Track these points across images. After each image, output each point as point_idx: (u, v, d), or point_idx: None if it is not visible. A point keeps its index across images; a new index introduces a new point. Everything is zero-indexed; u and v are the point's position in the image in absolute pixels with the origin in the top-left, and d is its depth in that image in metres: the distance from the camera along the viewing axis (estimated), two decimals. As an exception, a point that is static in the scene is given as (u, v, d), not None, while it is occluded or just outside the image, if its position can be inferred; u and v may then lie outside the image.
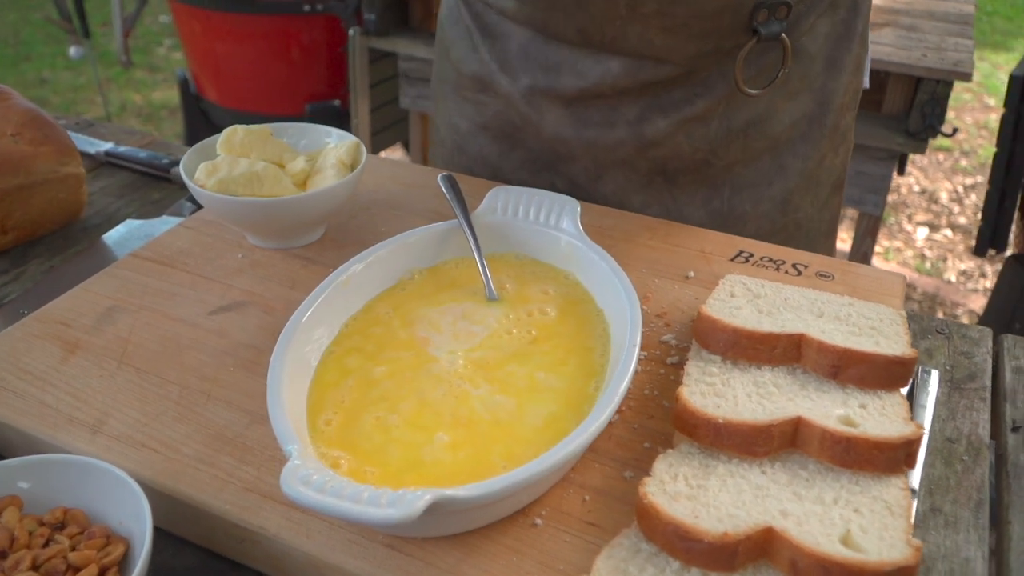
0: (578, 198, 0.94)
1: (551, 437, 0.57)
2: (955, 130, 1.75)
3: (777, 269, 0.81)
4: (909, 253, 3.23)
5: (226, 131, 0.84)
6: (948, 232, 3.36)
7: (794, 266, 0.81)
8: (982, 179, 3.67)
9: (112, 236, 0.95)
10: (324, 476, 0.48)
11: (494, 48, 0.93)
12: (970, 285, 3.03)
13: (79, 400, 0.65)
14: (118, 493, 0.55)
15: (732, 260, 0.82)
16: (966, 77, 1.75)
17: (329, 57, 2.51)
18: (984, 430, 0.70)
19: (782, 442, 0.56)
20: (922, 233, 3.36)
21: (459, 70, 0.98)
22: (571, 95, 0.89)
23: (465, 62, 0.97)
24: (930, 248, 3.25)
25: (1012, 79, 1.73)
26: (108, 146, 1.12)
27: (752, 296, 0.71)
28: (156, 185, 1.06)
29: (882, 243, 3.24)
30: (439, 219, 0.78)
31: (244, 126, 0.85)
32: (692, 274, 0.80)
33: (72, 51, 3.77)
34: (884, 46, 1.88)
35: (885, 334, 0.66)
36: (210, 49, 2.60)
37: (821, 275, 0.80)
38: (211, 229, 0.87)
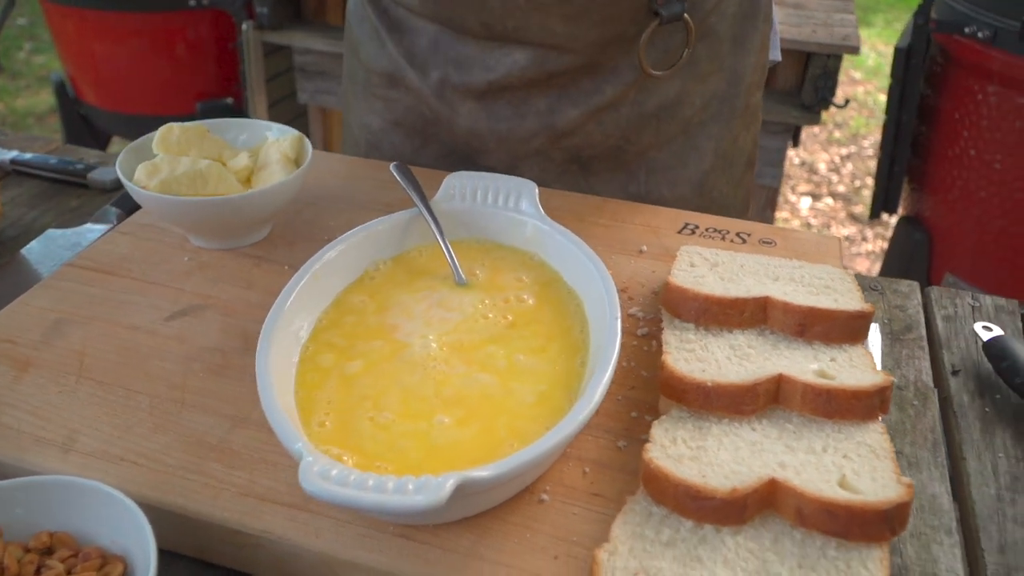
0: None
1: (548, 413, 0.58)
2: (847, 101, 1.85)
3: (723, 238, 0.84)
4: (796, 222, 3.38)
5: (161, 130, 0.81)
6: (829, 200, 3.53)
7: (738, 235, 0.85)
8: (856, 149, 3.88)
9: (33, 248, 0.90)
10: (342, 470, 0.47)
11: (402, 43, 0.92)
12: (854, 249, 3.20)
13: (42, 419, 0.62)
14: (107, 511, 0.53)
15: (679, 232, 0.85)
16: (854, 50, 1.85)
17: (219, 53, 2.42)
18: (927, 376, 0.75)
19: (767, 399, 0.59)
20: (806, 203, 3.52)
21: (368, 67, 0.97)
22: (481, 88, 0.89)
23: (374, 59, 0.96)
24: (815, 217, 3.42)
25: (896, 51, 1.84)
26: (12, 154, 1.05)
27: (711, 265, 0.73)
28: (72, 192, 1.01)
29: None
30: (388, 210, 0.77)
31: (179, 123, 0.82)
32: (645, 248, 0.82)
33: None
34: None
35: (839, 291, 0.69)
36: (87, 50, 2.47)
37: (764, 242, 0.84)
38: (150, 233, 0.83)
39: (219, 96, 2.45)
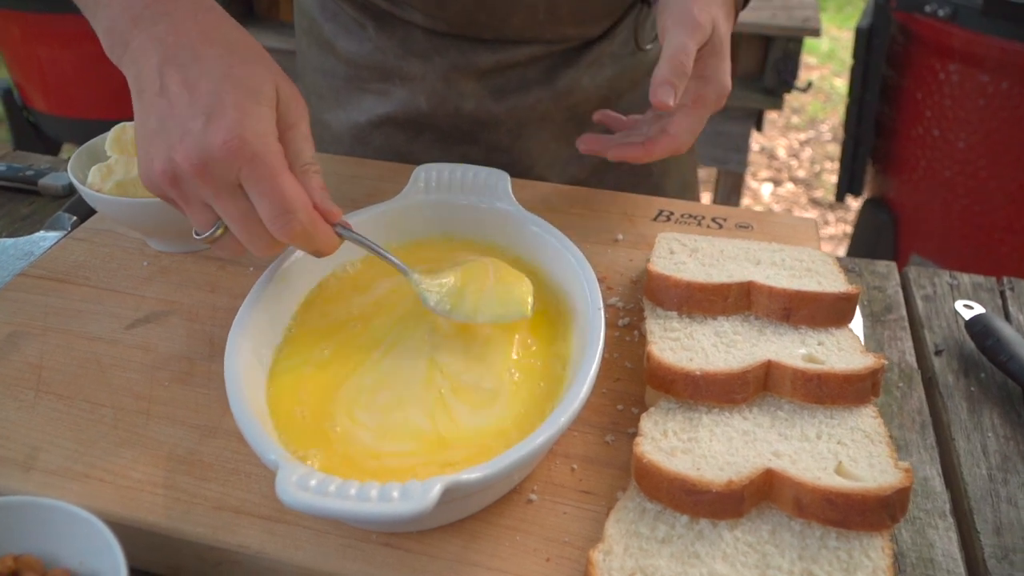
0: (497, 161, 0.95)
1: (533, 408, 0.56)
2: (809, 84, 1.85)
3: (699, 224, 0.83)
4: (758, 208, 3.39)
5: (114, 130, 0.77)
6: (790, 186, 3.55)
7: (714, 220, 0.83)
8: (814, 134, 3.91)
9: (-17, 258, 0.86)
10: (323, 478, 0.45)
11: (394, 35, 0.91)
12: (817, 233, 3.23)
13: (1, 437, 0.58)
14: (74, 531, 0.50)
15: (655, 220, 0.83)
16: (815, 33, 1.85)
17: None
18: (911, 356, 0.75)
19: (756, 387, 0.57)
20: (767, 189, 3.54)
21: (353, 62, 0.94)
22: (487, 68, 0.90)
23: (359, 53, 0.94)
24: (776, 202, 3.44)
25: (858, 32, 1.84)
26: (-41, 162, 1.01)
27: (690, 251, 0.72)
28: (23, 199, 0.97)
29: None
30: (355, 206, 0.75)
31: (133, 123, 0.78)
32: (621, 236, 0.81)
33: None
34: (732, 9, 1.95)
35: (822, 274, 0.68)
36: (33, 55, 2.39)
37: (740, 226, 0.82)
38: (106, 238, 0.80)
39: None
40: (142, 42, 0.57)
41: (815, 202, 3.44)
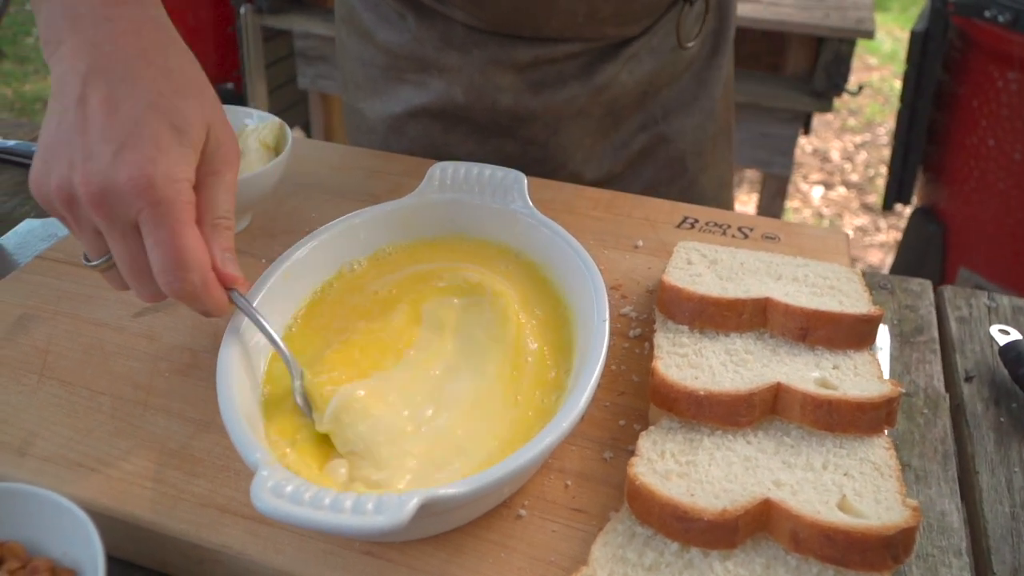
0: (532, 155, 0.94)
1: (529, 420, 0.54)
2: (860, 87, 1.79)
3: (724, 233, 0.80)
4: (807, 212, 3.32)
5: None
6: (842, 190, 3.47)
7: (740, 229, 0.81)
8: (870, 137, 3.82)
9: (10, 239, 0.87)
10: (299, 485, 0.44)
11: (434, 27, 0.90)
12: (867, 240, 3.14)
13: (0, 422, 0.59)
14: (59, 521, 0.50)
15: (678, 227, 0.81)
16: (869, 35, 1.79)
17: (217, 37, 2.38)
18: (939, 382, 0.71)
19: (763, 410, 0.55)
20: (818, 192, 3.46)
21: (392, 52, 0.94)
22: (525, 63, 0.89)
23: (398, 44, 0.93)
24: (826, 206, 3.36)
25: (913, 35, 1.78)
26: (-6, 140, 1.02)
27: (709, 262, 0.69)
28: (53, 179, 0.98)
29: (782, 203, 3.33)
30: (374, 201, 0.74)
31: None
32: (641, 243, 0.78)
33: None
34: (785, 7, 1.91)
35: (845, 292, 0.65)
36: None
37: (767, 237, 0.80)
38: (125, 224, 0.80)
39: (219, 81, 2.41)
40: (76, 44, 0.52)
41: (867, 208, 3.35)
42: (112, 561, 0.55)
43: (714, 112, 1.00)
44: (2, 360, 0.64)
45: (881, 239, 3.15)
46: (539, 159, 0.94)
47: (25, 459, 0.56)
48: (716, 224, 0.81)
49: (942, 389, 0.70)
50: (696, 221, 0.82)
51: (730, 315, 0.62)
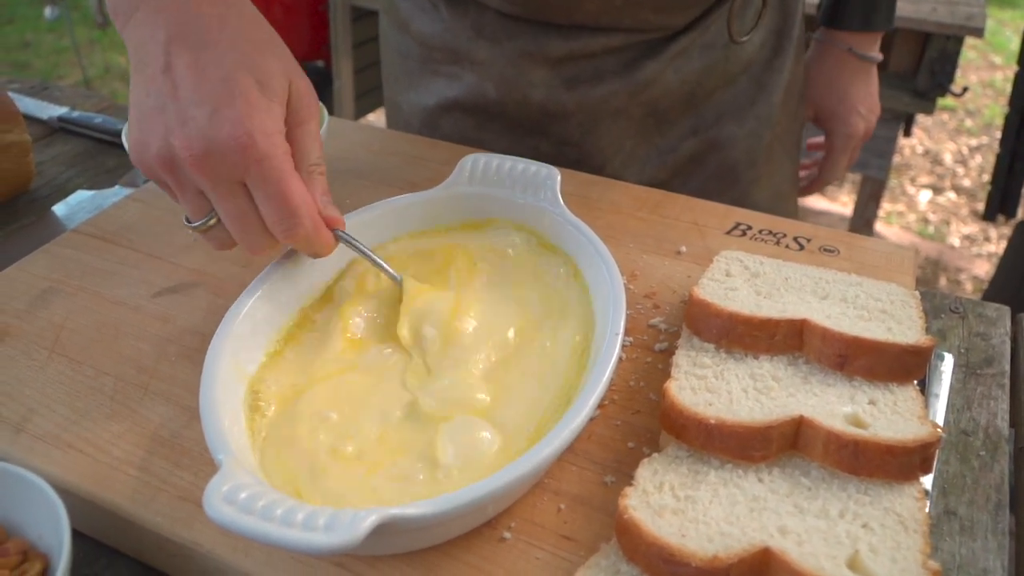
0: (568, 156, 0.89)
1: (532, 435, 0.51)
2: (965, 89, 1.67)
3: (777, 243, 0.74)
4: (912, 217, 3.15)
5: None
6: (952, 195, 3.28)
7: (795, 239, 0.75)
8: (988, 140, 3.59)
9: (62, 208, 0.88)
10: (255, 493, 0.42)
11: (467, 16, 0.87)
12: (974, 250, 2.96)
13: (4, 395, 0.59)
14: (35, 503, 0.49)
15: (728, 233, 0.76)
16: (978, 33, 1.66)
17: (311, 15, 2.40)
18: (1003, 421, 0.64)
19: (782, 445, 0.50)
20: (925, 196, 3.28)
21: (426, 43, 0.91)
22: (559, 56, 0.85)
23: (431, 34, 0.90)
24: (933, 212, 3.18)
25: (1026, 35, 1.64)
26: (62, 111, 1.04)
27: (750, 275, 0.64)
28: (111, 152, 0.99)
29: (884, 206, 3.16)
30: (411, 188, 0.71)
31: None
32: (684, 249, 0.73)
33: (47, 11, 3.63)
34: None
35: (897, 318, 0.59)
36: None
37: (825, 250, 0.73)
38: (162, 202, 0.80)
39: (310, 59, 2.43)
40: (150, 13, 0.54)
41: (977, 215, 3.15)
42: (99, 547, 0.54)
43: (772, 119, 0.93)
44: (20, 333, 0.64)
45: (991, 249, 2.96)
46: (575, 160, 0.89)
47: (20, 435, 0.56)
48: (771, 232, 0.75)
49: (1005, 429, 0.63)
50: (749, 228, 0.76)
51: (761, 336, 0.57)
